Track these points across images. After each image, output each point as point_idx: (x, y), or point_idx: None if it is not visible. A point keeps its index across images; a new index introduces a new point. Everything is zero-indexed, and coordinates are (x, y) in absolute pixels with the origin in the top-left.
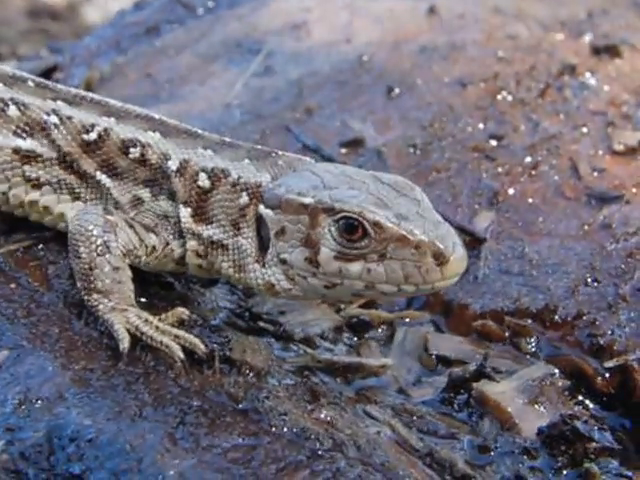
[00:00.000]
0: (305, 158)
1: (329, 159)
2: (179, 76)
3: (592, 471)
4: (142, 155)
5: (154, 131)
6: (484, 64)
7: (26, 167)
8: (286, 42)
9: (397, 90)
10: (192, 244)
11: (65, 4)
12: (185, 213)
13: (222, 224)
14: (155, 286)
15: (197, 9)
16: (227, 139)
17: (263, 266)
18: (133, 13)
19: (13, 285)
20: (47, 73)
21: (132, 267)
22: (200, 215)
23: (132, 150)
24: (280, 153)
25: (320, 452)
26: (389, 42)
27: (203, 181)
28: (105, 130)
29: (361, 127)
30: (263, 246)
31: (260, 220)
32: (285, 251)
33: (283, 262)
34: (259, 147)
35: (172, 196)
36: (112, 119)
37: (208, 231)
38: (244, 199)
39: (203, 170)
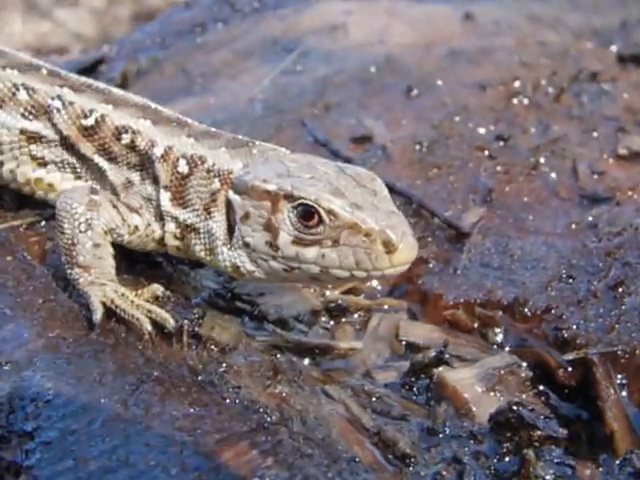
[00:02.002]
0: (279, 148)
1: (335, 153)
2: (212, 71)
3: (528, 458)
4: (132, 141)
5: (145, 119)
6: (507, 68)
7: (32, 147)
8: (321, 42)
9: (416, 90)
10: (170, 227)
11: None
12: (165, 197)
13: (196, 208)
14: (142, 264)
15: (243, 9)
16: (212, 129)
17: (230, 249)
18: (181, 11)
19: (9, 258)
20: (94, 65)
21: (119, 245)
22: (178, 199)
23: (124, 136)
24: (257, 143)
25: (265, 425)
26: (420, 45)
27: (182, 167)
28: (102, 116)
29: (373, 124)
30: (231, 230)
31: (229, 205)
32: (248, 235)
33: (246, 245)
34: (239, 137)
35: (156, 180)
36: (110, 106)
37: (184, 215)
38: (216, 184)
39: (183, 156)
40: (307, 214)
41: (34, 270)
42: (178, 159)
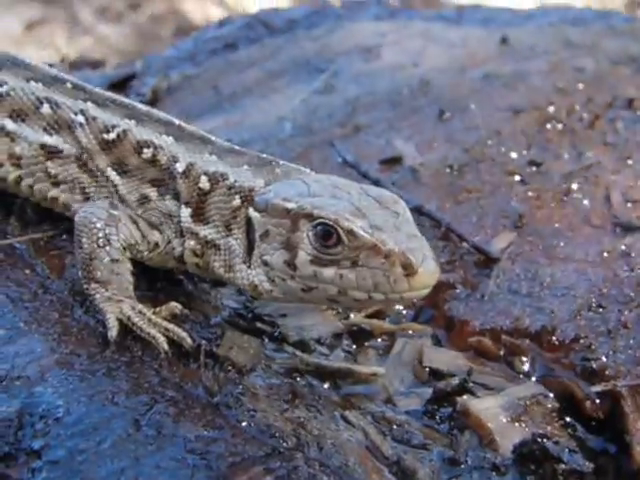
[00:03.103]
0: (303, 169)
1: (364, 175)
2: (243, 89)
3: None
4: (153, 156)
5: (168, 135)
6: (542, 93)
7: (48, 163)
8: (354, 63)
9: (448, 113)
10: (190, 243)
11: None
12: (185, 213)
13: (216, 224)
14: (163, 282)
15: (277, 28)
16: (237, 147)
17: (249, 267)
18: (215, 29)
19: (28, 271)
20: (125, 80)
21: (139, 263)
22: (199, 215)
23: (145, 151)
24: (281, 162)
25: (280, 450)
26: (455, 68)
27: (204, 183)
28: (124, 131)
29: (403, 146)
30: (251, 248)
31: (249, 223)
32: (267, 253)
33: (265, 264)
34: (263, 156)
35: (176, 196)
36: (133, 121)
37: (204, 231)
38: (237, 202)
39: (205, 173)
40: (326, 234)
41: (51, 284)
42: (200, 175)
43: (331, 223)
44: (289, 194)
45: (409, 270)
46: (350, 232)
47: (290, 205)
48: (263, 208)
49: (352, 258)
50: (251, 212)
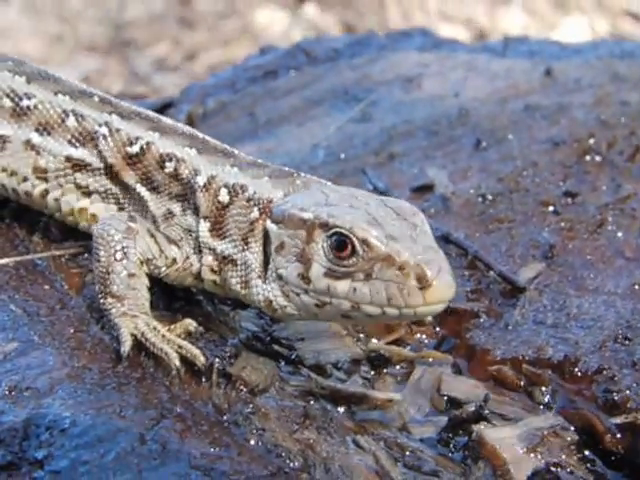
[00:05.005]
0: (325, 181)
1: None
2: (280, 116)
3: None
4: (175, 169)
5: (191, 147)
6: (584, 126)
7: (77, 175)
8: (393, 92)
9: (485, 143)
10: (208, 259)
11: None
12: (204, 227)
13: (234, 239)
14: (182, 301)
15: (318, 57)
16: (259, 160)
17: (264, 282)
18: (256, 58)
19: (47, 287)
20: (164, 108)
21: (159, 280)
22: (217, 230)
23: (168, 164)
24: (302, 175)
25: (286, 470)
26: (495, 98)
27: (223, 196)
28: (147, 143)
29: (436, 174)
30: (267, 262)
31: (266, 235)
32: (282, 266)
33: (280, 277)
34: (285, 168)
35: (196, 211)
36: (156, 134)
37: (222, 246)
38: (255, 214)
39: (225, 186)
40: (341, 244)
41: (70, 300)
42: (220, 188)
43: (346, 232)
44: (306, 204)
45: (423, 283)
46: (365, 241)
47: (306, 215)
48: (280, 219)
49: (366, 270)
50: (268, 224)
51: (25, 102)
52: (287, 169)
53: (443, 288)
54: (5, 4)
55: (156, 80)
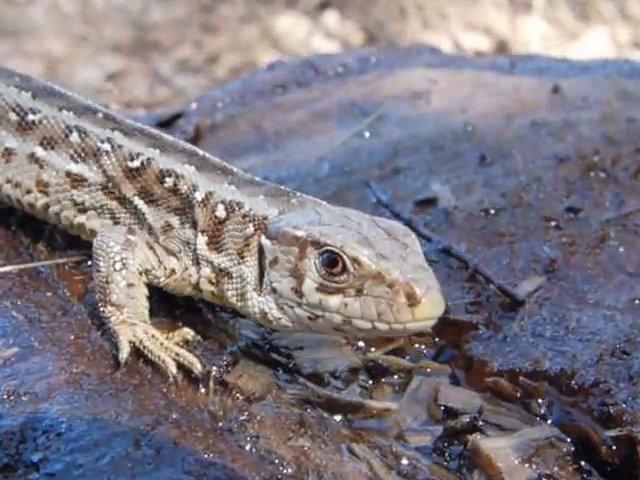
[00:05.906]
0: (320, 201)
1: (397, 215)
2: (287, 130)
3: None
4: (175, 185)
5: (190, 164)
6: (589, 143)
7: (74, 191)
8: (400, 108)
9: (490, 159)
10: (206, 271)
11: None
12: (202, 241)
13: (230, 252)
14: (182, 309)
15: (327, 73)
16: (257, 179)
17: (259, 295)
18: (265, 72)
19: (49, 294)
20: (172, 119)
21: (159, 289)
22: (214, 243)
23: (167, 179)
24: (298, 194)
25: (279, 476)
26: (502, 115)
27: (220, 212)
28: (148, 159)
29: (439, 188)
30: (262, 276)
31: (261, 250)
32: (276, 280)
33: (274, 291)
34: (281, 187)
35: (194, 225)
36: (157, 150)
37: (218, 259)
38: (250, 229)
39: (222, 202)
40: (332, 261)
41: (71, 307)
42: (217, 204)
43: (337, 250)
44: (300, 222)
45: (412, 300)
46: (355, 260)
47: (299, 233)
48: (274, 236)
49: (357, 287)
50: (263, 240)
51: (30, 117)
52: (283, 188)
53: (431, 305)
54: (31, 5)
55: (178, 81)
